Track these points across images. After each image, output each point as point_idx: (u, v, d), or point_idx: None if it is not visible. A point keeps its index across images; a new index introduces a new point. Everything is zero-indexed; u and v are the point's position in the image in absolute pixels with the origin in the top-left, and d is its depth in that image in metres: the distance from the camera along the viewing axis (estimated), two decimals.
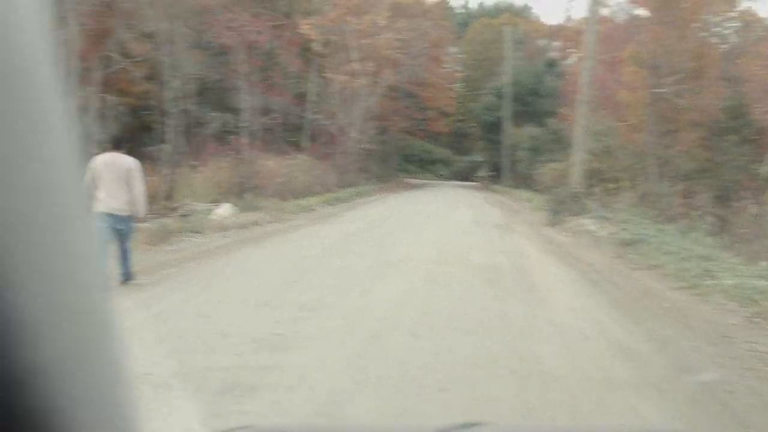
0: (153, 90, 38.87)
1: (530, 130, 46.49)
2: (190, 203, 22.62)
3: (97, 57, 37.24)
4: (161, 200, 26.99)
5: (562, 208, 21.26)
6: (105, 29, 37.65)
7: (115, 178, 8.49)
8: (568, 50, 57.82)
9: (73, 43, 35.06)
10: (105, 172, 8.53)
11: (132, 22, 37.07)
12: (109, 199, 8.55)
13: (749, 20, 34.31)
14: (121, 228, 8.66)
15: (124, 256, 8.78)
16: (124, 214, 8.58)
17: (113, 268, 8.81)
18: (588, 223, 18.97)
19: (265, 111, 35.49)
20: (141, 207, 8.76)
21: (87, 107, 37.05)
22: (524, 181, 42.86)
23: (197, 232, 15.16)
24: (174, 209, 23.35)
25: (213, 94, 37.60)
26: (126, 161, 8.64)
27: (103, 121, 37.54)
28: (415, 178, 61.94)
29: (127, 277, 8.84)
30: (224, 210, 19.67)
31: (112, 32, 37.97)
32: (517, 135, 49.19)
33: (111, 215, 8.53)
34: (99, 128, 37.03)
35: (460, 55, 71.48)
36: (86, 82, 36.48)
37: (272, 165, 27.42)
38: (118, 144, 8.91)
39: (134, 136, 39.57)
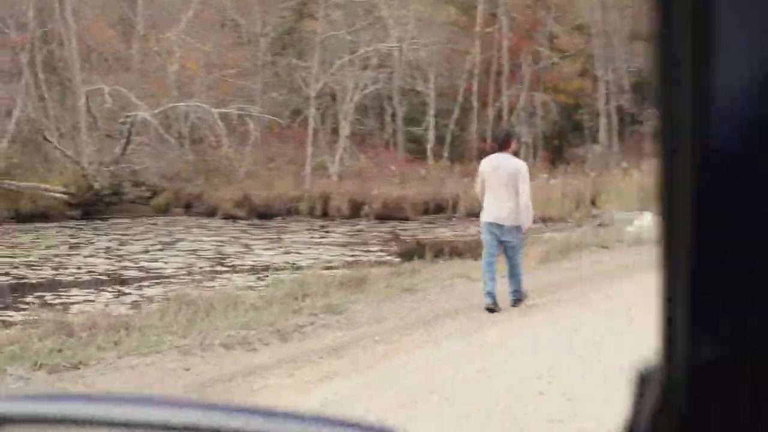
0: (586, 86, 38.54)
1: None
2: (612, 211, 21.66)
3: (527, 53, 37.55)
4: (583, 207, 25.99)
5: None
6: (534, 22, 37.77)
7: (501, 184, 8.20)
8: None
9: (503, 38, 35.89)
10: (490, 177, 8.31)
11: (562, 13, 36.61)
12: (494, 207, 8.31)
13: None
14: (508, 240, 8.36)
15: (513, 273, 8.47)
16: (510, 224, 8.25)
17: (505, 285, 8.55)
18: None
19: None
20: (526, 217, 8.34)
21: (516, 107, 38.04)
22: None
23: (605, 248, 14.00)
24: (594, 217, 22.78)
25: (650, 89, 35.25)
26: (513, 163, 8.33)
27: (532, 120, 38.52)
28: None
29: (517, 296, 8.58)
30: (646, 220, 18.04)
31: (541, 25, 37.99)
32: None
33: (496, 225, 8.32)
34: (526, 128, 37.94)
35: None
36: (515, 80, 38.28)
37: None
38: (503, 143, 8.54)
39: (563, 136, 39.72)
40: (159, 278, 15.03)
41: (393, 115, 36.34)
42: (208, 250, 19.49)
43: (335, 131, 33.20)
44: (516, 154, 9.39)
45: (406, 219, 26.43)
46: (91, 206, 26.41)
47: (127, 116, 27.35)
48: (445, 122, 37.20)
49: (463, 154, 36.62)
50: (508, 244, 8.34)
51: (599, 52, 36.60)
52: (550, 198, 24.25)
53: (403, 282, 10.60)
